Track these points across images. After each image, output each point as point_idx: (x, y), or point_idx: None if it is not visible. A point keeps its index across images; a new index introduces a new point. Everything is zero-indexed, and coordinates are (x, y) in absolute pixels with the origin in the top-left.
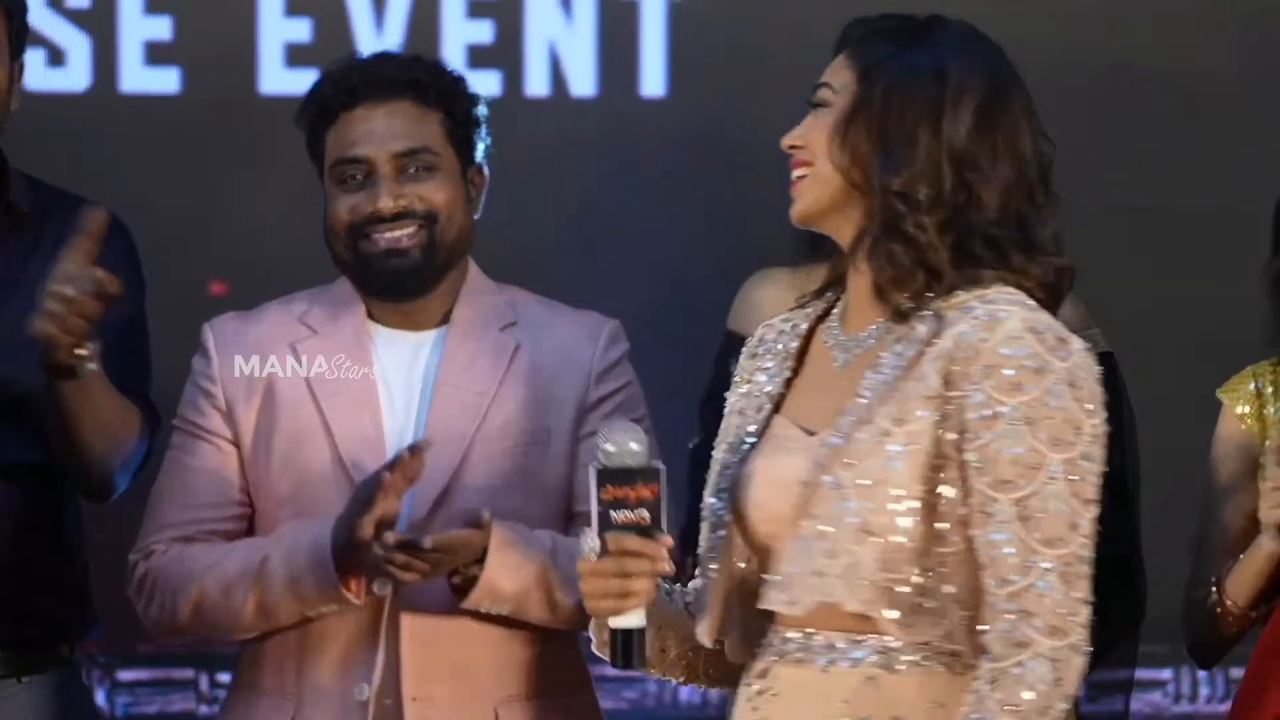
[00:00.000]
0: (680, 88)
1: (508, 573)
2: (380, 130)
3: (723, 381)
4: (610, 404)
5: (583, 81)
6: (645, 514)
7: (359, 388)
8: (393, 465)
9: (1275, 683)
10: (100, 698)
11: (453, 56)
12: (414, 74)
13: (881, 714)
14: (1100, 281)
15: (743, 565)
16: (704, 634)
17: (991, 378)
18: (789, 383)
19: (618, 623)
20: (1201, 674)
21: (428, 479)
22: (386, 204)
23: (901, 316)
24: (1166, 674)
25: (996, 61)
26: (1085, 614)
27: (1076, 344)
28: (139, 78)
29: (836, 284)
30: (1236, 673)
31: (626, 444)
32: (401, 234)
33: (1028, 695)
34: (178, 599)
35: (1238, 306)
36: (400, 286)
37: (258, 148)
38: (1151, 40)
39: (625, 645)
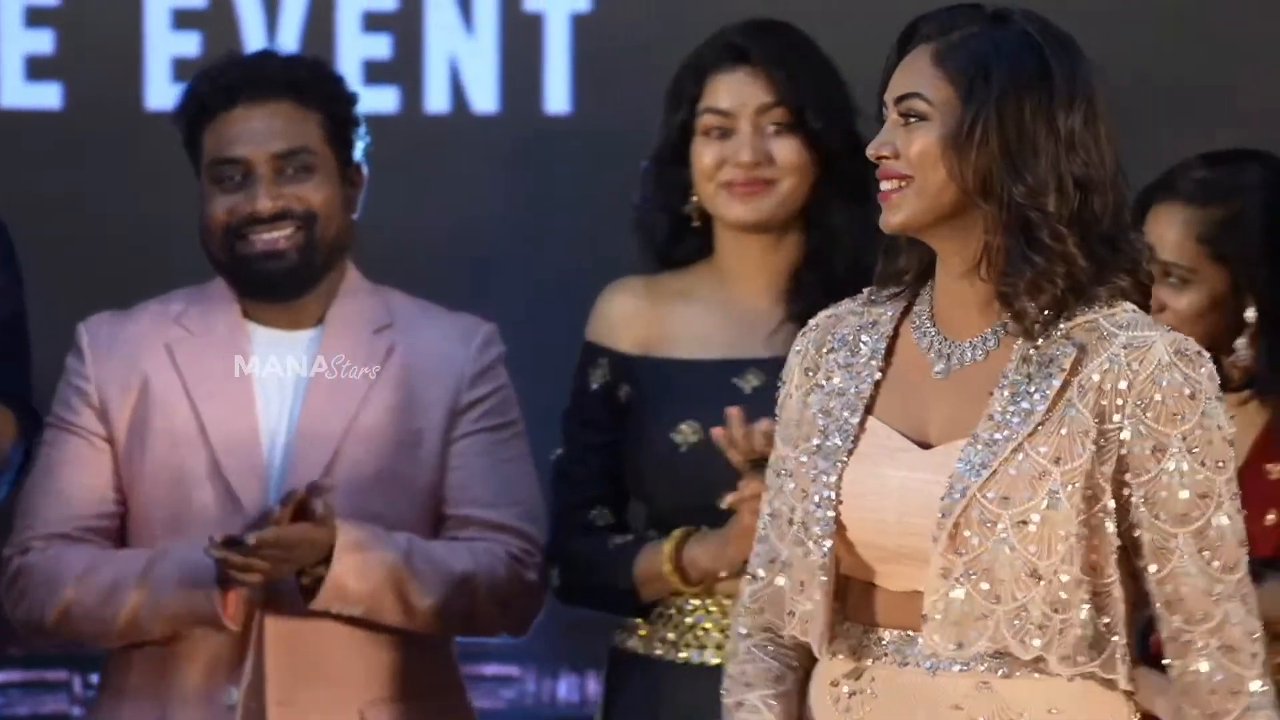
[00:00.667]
0: (585, 104)
1: (356, 573)
2: (259, 130)
3: (583, 393)
4: (482, 407)
5: (485, 97)
6: None
7: (234, 388)
8: (286, 500)
9: None
10: None
11: (348, 72)
12: (293, 74)
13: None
14: None
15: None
16: (819, 647)
17: (1150, 410)
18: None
19: None
20: None
21: (297, 479)
22: (265, 205)
23: (1029, 333)
24: None
25: (1076, 48)
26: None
27: (1206, 355)
28: (18, 93)
29: (914, 283)
30: None
31: None
32: (279, 235)
33: None
34: (47, 601)
35: None
36: (277, 288)
37: (144, 164)
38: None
39: None
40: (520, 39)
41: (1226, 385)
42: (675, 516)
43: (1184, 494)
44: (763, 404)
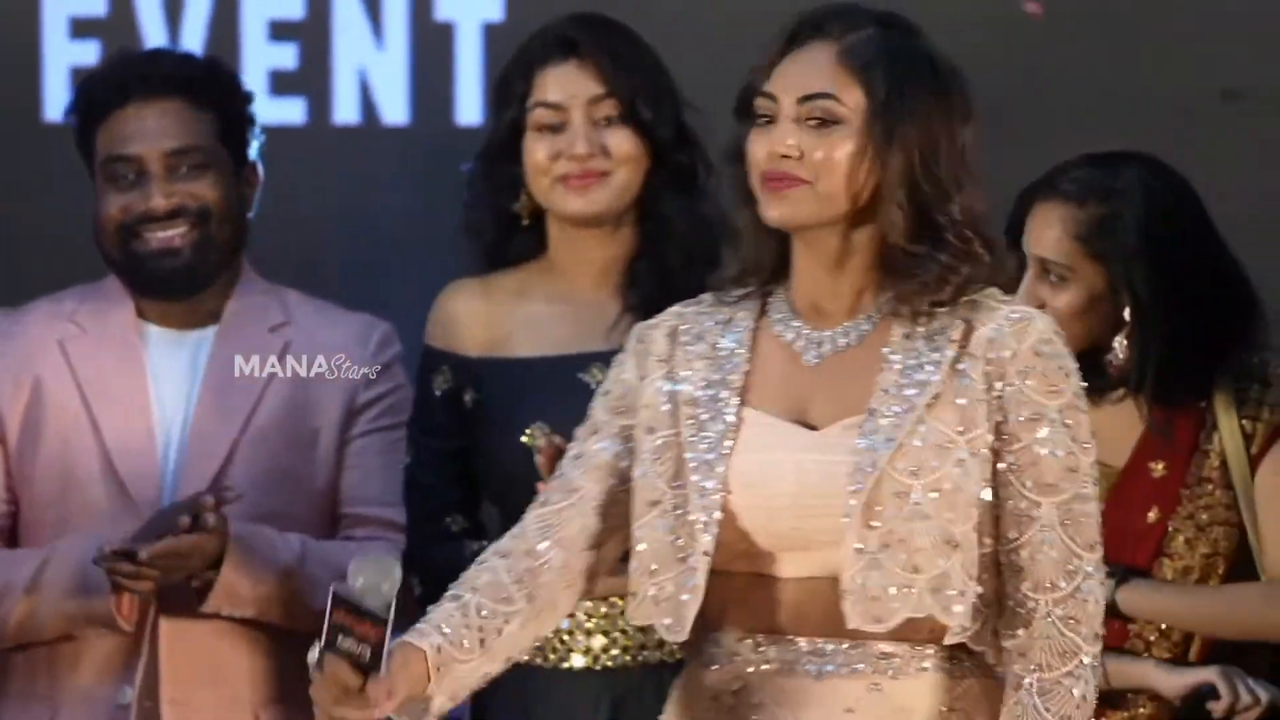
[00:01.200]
0: None
1: (247, 577)
2: (151, 128)
3: (426, 399)
4: (379, 407)
5: (395, 109)
6: (366, 650)
7: (128, 388)
8: (192, 510)
9: None
10: None
11: (254, 82)
12: (186, 72)
13: None
14: None
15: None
16: (677, 633)
17: (1031, 379)
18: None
19: None
20: None
21: (193, 479)
22: (159, 203)
23: (916, 316)
24: None
25: (938, 52)
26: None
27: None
28: None
29: (768, 282)
30: None
31: (377, 585)
32: (174, 234)
33: (1077, 707)
34: None
35: None
36: (172, 285)
37: (42, 175)
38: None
39: None
40: (431, 49)
41: (1104, 383)
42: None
43: (1054, 466)
44: None
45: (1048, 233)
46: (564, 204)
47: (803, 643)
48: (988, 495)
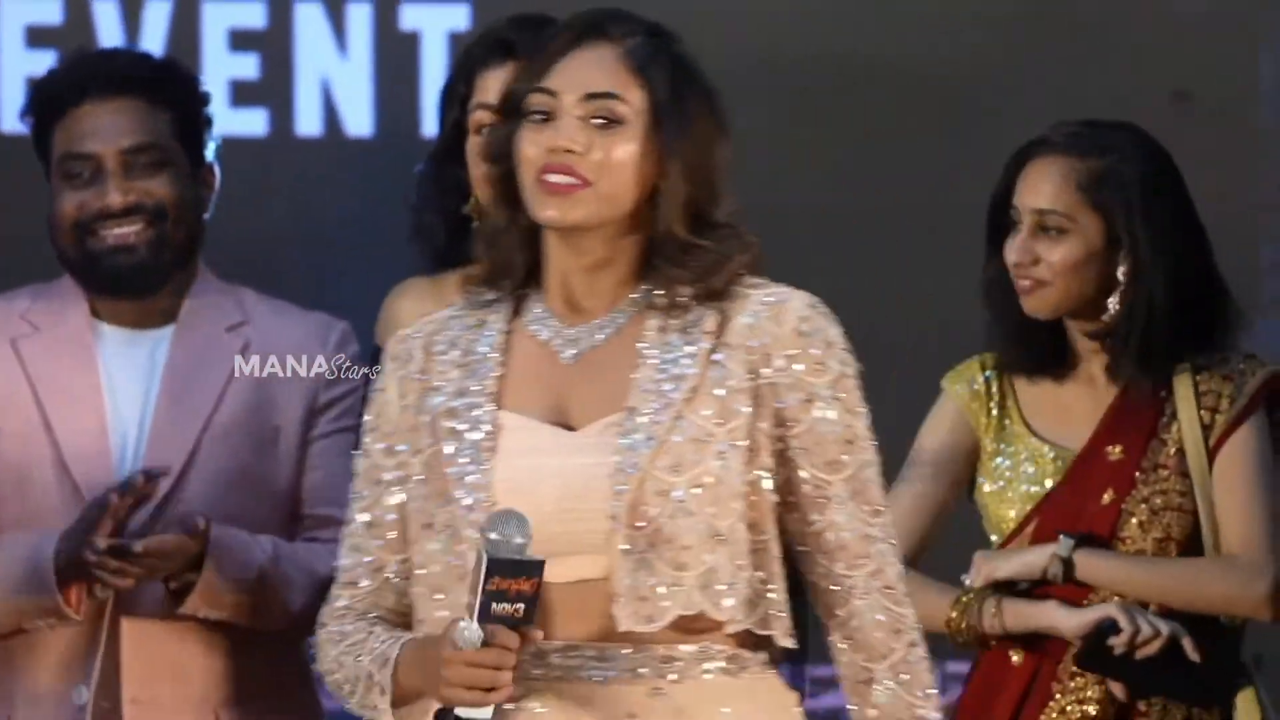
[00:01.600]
0: None
1: (225, 580)
2: (108, 126)
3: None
4: (340, 407)
5: (359, 119)
6: (521, 607)
7: (82, 387)
8: (124, 489)
9: (1007, 685)
10: None
11: (214, 93)
12: (143, 70)
13: None
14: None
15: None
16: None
17: (797, 361)
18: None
19: (470, 713)
20: None
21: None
22: (115, 199)
23: (672, 309)
24: None
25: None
26: None
27: (819, 305)
28: None
29: (522, 280)
30: (954, 667)
31: (513, 538)
32: (130, 230)
33: (927, 673)
34: None
35: (958, 304)
36: (127, 284)
37: (2, 189)
38: (876, 38)
39: None
40: (395, 59)
41: (1066, 364)
42: None
43: (835, 442)
44: None
45: (1046, 185)
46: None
47: (586, 649)
48: (768, 484)
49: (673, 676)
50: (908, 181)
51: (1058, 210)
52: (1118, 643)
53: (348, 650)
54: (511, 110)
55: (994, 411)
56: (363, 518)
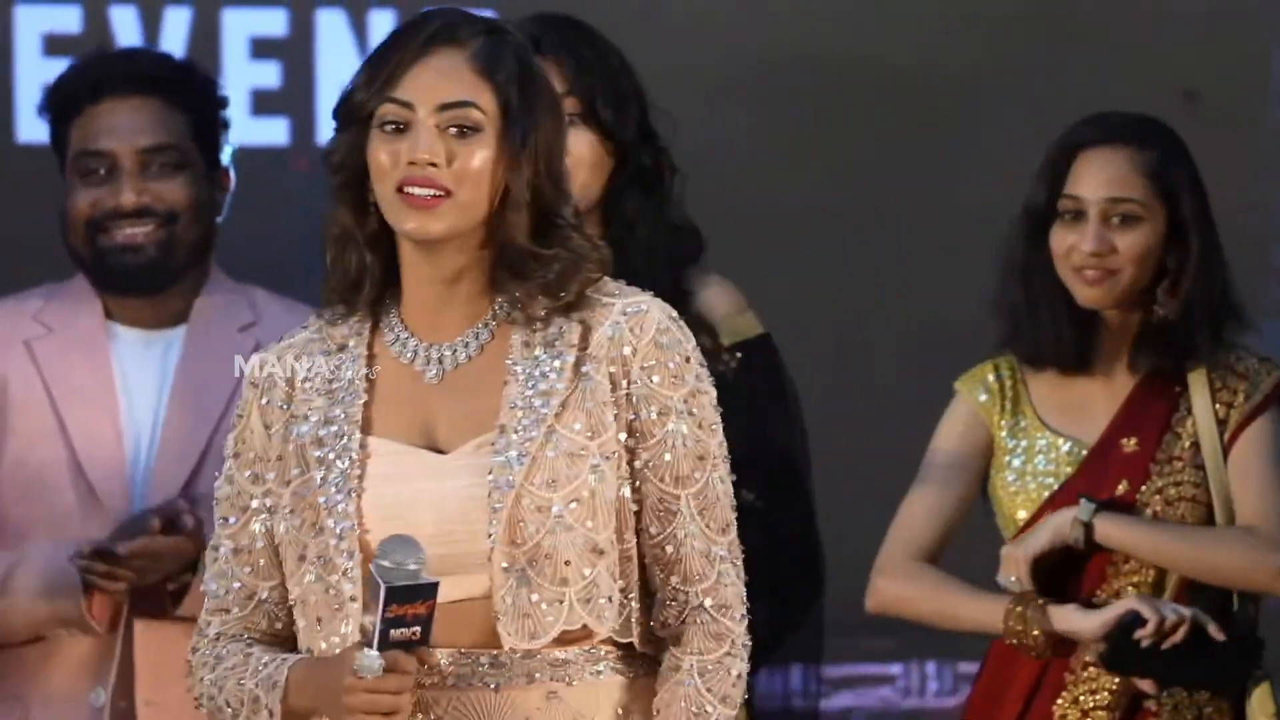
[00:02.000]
0: None
1: None
2: (125, 125)
3: None
4: None
5: None
6: (418, 630)
7: (95, 388)
8: (168, 517)
9: (1018, 676)
10: None
11: (235, 101)
12: (162, 71)
13: None
14: (815, 278)
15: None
16: None
17: (654, 374)
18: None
19: None
20: (930, 668)
21: (164, 482)
22: (128, 198)
23: (532, 320)
24: (895, 669)
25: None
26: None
27: (678, 318)
28: None
29: (374, 297)
30: (965, 667)
31: (406, 563)
32: (139, 231)
33: (734, 685)
34: None
35: (959, 306)
36: (136, 283)
37: (18, 199)
38: (876, 38)
39: None
40: None
41: (1090, 357)
42: None
43: (685, 456)
44: None
45: (1111, 173)
46: None
47: (480, 655)
48: (627, 492)
49: (566, 679)
50: (908, 181)
51: (1132, 198)
52: (1145, 634)
53: (226, 674)
54: (350, 120)
55: (1008, 409)
56: (228, 545)
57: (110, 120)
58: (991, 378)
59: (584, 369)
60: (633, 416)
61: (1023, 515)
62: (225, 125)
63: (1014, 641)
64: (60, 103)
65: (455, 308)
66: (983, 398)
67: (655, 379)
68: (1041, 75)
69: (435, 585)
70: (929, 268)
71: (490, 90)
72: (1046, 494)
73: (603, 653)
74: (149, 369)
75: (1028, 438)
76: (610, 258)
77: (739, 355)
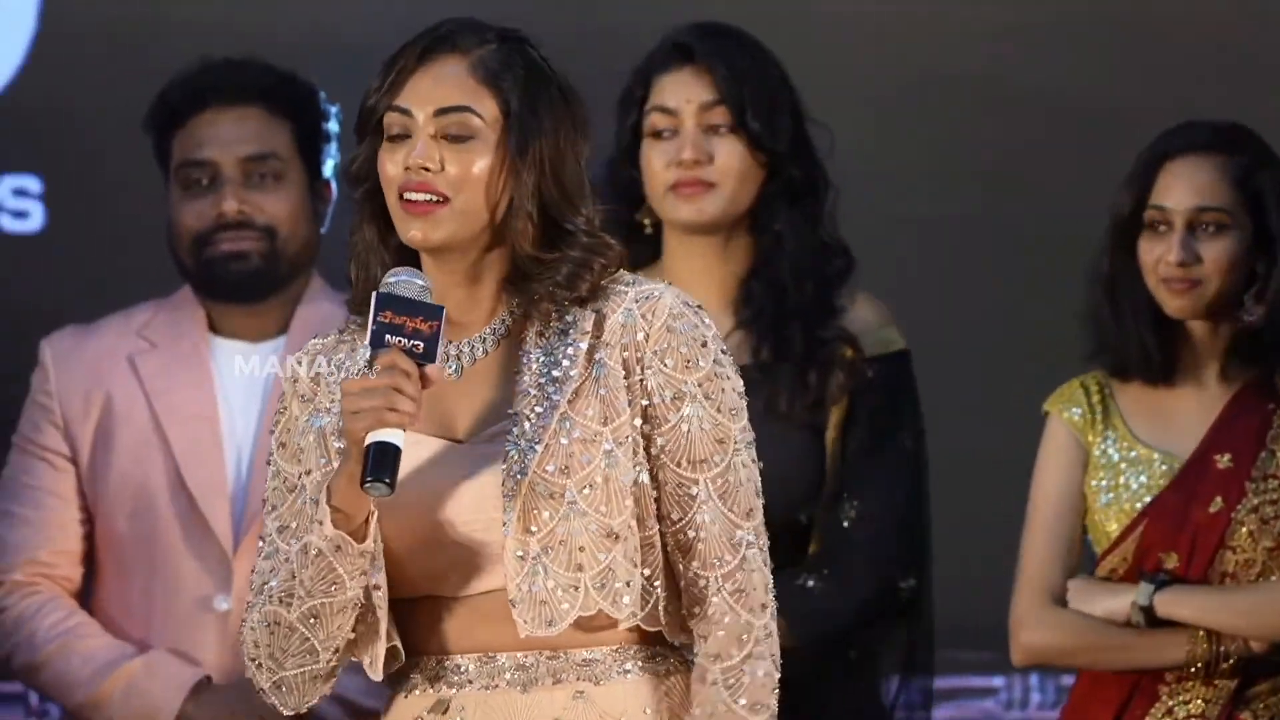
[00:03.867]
0: None
1: None
2: (227, 134)
3: None
4: None
5: None
6: (420, 344)
7: (197, 402)
8: None
9: (1105, 693)
10: None
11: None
12: (265, 81)
13: None
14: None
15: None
16: (379, 671)
17: (667, 358)
18: None
19: (376, 435)
20: (1033, 680)
21: (261, 491)
22: (230, 207)
23: (548, 316)
24: (998, 681)
25: (558, 68)
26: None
27: (695, 306)
28: None
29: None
30: (1068, 679)
31: (413, 280)
32: (243, 240)
33: (763, 687)
34: (15, 654)
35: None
36: (240, 291)
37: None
38: (1009, 57)
39: (379, 457)
40: None
41: (1173, 368)
42: None
43: (703, 440)
44: None
45: (1200, 181)
46: (673, 211)
47: (503, 658)
48: (645, 478)
49: (594, 679)
50: (1060, 195)
51: (1218, 206)
52: None
53: (268, 596)
54: (365, 130)
55: (1099, 423)
56: (274, 524)
57: (212, 130)
58: (1080, 393)
59: (597, 355)
60: (647, 402)
61: (1114, 529)
62: (328, 137)
63: (1198, 666)
64: (164, 114)
65: (473, 307)
66: (1075, 414)
67: (668, 363)
68: (1186, 92)
69: (440, 309)
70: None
71: (491, 97)
72: (1139, 506)
73: (631, 651)
74: (249, 381)
75: (1119, 451)
76: (625, 253)
77: (876, 367)
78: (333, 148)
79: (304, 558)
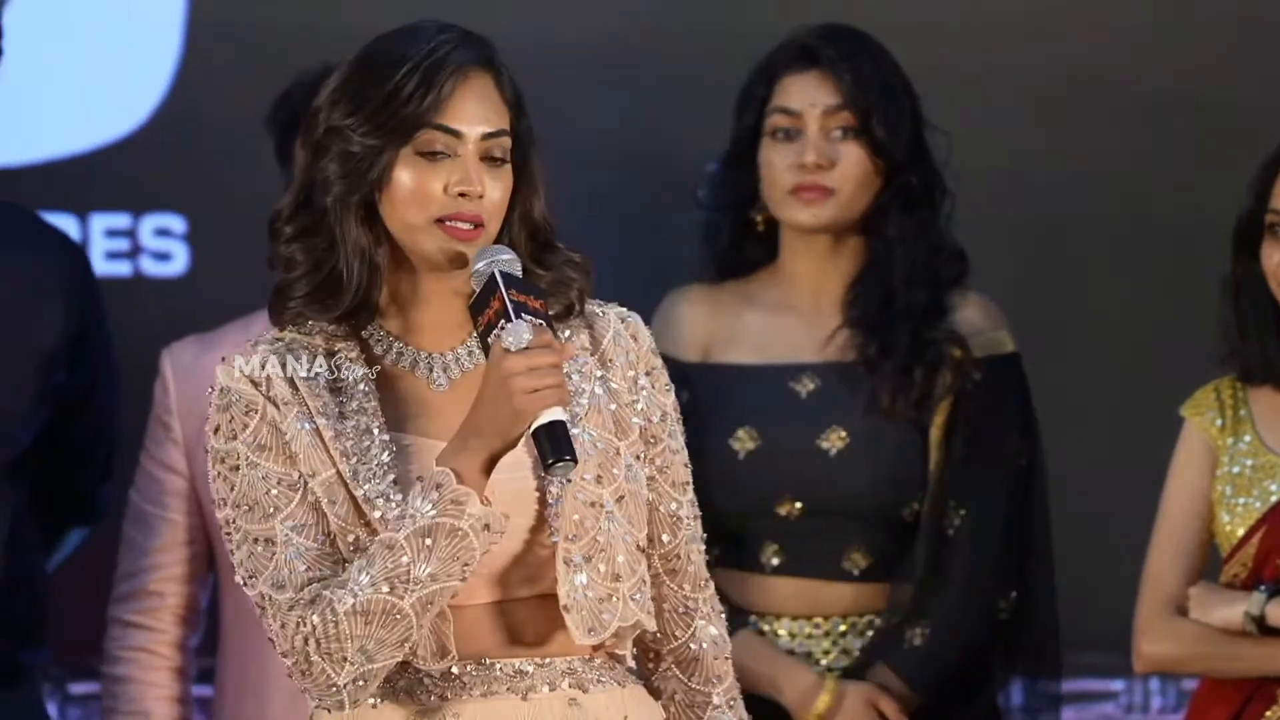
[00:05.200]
0: None
1: None
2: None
3: None
4: None
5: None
6: (543, 323)
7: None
8: None
9: (1224, 694)
10: (52, 711)
11: None
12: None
13: None
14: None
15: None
16: (441, 664)
17: (653, 378)
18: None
19: (546, 417)
20: (1154, 684)
21: None
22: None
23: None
24: (1118, 685)
25: None
26: None
27: None
28: None
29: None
30: (1189, 684)
31: (500, 255)
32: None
33: (744, 710)
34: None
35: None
36: None
37: None
38: (1153, 58)
39: (562, 435)
40: None
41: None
42: (730, 522)
43: (680, 462)
44: (821, 408)
45: None
46: (791, 214)
47: (500, 665)
48: (649, 496)
49: (582, 688)
50: (1181, 195)
51: None
52: None
53: (352, 575)
54: (398, 137)
55: (1230, 428)
56: (287, 525)
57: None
58: (1214, 398)
59: (599, 373)
60: (643, 422)
61: (1240, 532)
62: None
63: None
64: (286, 114)
65: (456, 319)
66: (1209, 420)
67: (657, 384)
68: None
69: (543, 289)
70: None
71: (510, 119)
72: (1257, 516)
73: (598, 663)
74: None
75: (1250, 457)
76: (591, 266)
77: (984, 369)
78: None
79: (420, 542)
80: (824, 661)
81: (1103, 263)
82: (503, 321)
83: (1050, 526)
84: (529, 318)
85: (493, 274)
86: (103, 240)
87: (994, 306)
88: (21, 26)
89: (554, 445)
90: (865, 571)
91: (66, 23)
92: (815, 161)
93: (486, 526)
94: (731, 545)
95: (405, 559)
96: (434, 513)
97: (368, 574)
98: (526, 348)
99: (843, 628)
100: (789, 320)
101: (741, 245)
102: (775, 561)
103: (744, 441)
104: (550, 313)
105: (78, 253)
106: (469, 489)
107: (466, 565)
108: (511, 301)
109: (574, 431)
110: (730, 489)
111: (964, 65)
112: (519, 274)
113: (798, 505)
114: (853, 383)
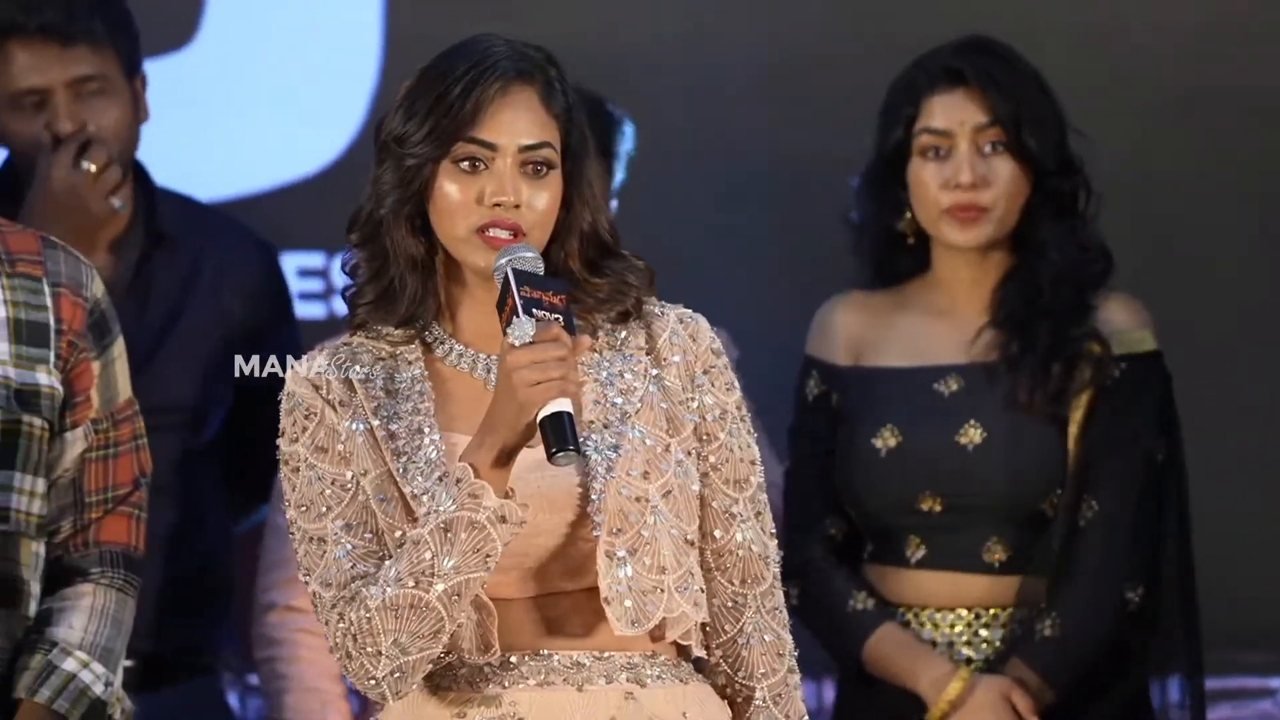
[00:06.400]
0: None
1: None
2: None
3: (801, 406)
4: None
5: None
6: (559, 318)
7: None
8: None
9: None
10: (233, 701)
11: None
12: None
13: None
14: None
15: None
16: (485, 657)
17: (711, 377)
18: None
19: (550, 409)
20: None
21: None
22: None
23: (594, 330)
24: (1275, 682)
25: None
26: None
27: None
28: None
29: (410, 318)
30: None
31: (525, 253)
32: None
33: (799, 699)
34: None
35: None
36: None
37: None
38: (1240, 60)
39: (567, 426)
40: None
41: None
42: (876, 518)
43: (741, 460)
44: (961, 406)
45: None
46: (949, 234)
47: (557, 657)
48: (704, 492)
49: (640, 682)
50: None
51: None
52: None
53: (387, 570)
54: (436, 149)
55: None
56: (338, 524)
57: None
58: None
59: (654, 371)
60: (699, 420)
61: None
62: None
63: None
64: None
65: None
66: None
67: (716, 383)
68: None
69: (566, 281)
70: None
71: (556, 128)
72: None
73: (660, 659)
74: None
75: None
76: (653, 271)
77: (1124, 366)
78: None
79: (441, 535)
80: (967, 653)
81: (1252, 264)
82: (512, 318)
83: (1190, 523)
84: (539, 313)
85: (506, 273)
86: (296, 280)
87: (1138, 305)
88: (217, 65)
89: (557, 436)
90: (1005, 564)
91: (263, 61)
92: (970, 180)
93: (503, 518)
94: (880, 541)
95: (428, 554)
96: (454, 507)
97: (395, 569)
98: (531, 342)
99: (984, 619)
100: (938, 324)
101: (893, 256)
102: (918, 555)
103: (886, 440)
104: (604, 315)
105: (266, 249)
106: (484, 482)
107: (489, 557)
108: (521, 298)
109: (621, 428)
110: (874, 486)
111: (1095, 71)
112: (539, 271)
113: (938, 500)
114: (994, 381)
